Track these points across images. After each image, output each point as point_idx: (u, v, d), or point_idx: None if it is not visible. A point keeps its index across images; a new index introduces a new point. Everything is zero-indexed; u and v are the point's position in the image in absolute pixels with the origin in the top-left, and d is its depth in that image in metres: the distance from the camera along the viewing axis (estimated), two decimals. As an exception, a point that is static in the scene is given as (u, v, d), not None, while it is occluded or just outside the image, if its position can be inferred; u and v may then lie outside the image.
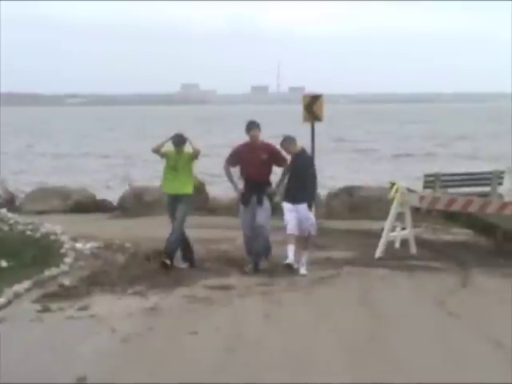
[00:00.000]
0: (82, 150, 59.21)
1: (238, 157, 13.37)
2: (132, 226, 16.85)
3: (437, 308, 10.75)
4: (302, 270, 12.76)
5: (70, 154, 54.80)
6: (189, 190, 13.32)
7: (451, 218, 15.88)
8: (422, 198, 14.60)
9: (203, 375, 8.00)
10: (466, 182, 20.92)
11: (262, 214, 13.05)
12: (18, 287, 11.41)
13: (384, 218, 14.69)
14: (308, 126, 18.56)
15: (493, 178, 20.78)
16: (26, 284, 11.62)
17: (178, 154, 13.34)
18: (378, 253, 14.03)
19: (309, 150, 19.80)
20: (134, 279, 12.01)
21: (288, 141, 13.23)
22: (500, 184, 21.01)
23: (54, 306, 10.67)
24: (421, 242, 14.98)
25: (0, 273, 12.23)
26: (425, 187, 19.67)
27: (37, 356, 8.62)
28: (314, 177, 13.20)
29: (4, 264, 12.65)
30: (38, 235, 14.76)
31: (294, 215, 12.86)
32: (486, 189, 20.60)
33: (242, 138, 13.61)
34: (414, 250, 14.43)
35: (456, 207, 14.15)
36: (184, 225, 13.39)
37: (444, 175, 20.83)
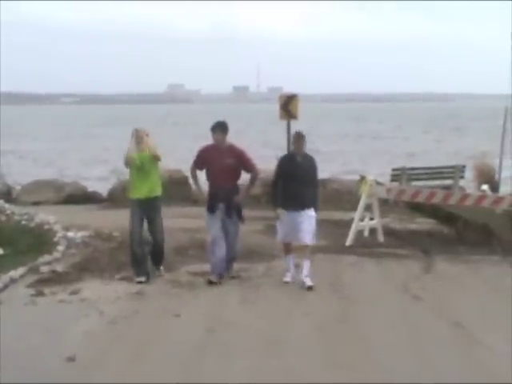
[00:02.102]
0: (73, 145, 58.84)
1: (204, 159, 11.51)
2: (120, 216, 16.63)
3: (402, 292, 10.79)
4: (308, 282, 10.99)
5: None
6: (160, 191, 11.59)
7: (416, 208, 15.92)
8: (388, 190, 14.63)
9: (185, 354, 8.01)
10: (431, 176, 21.02)
11: (233, 228, 11.49)
12: (14, 273, 11.37)
13: (354, 208, 14.72)
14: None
15: (455, 172, 20.89)
16: (21, 270, 11.58)
17: (140, 151, 11.34)
18: (349, 241, 14.06)
19: (285, 147, 19.88)
20: (122, 266, 11.93)
21: (304, 138, 11.37)
22: (462, 177, 21.12)
23: (46, 290, 10.65)
24: (388, 231, 15.01)
25: (-4, 260, 12.20)
26: (392, 180, 19.73)
27: (30, 336, 8.59)
28: (317, 180, 11.65)
29: (0, 252, 12.62)
30: (32, 225, 14.71)
31: (289, 223, 11.10)
32: (449, 182, 20.75)
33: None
34: (381, 238, 14.46)
35: (420, 199, 14.21)
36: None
37: (410, 169, 20.92)
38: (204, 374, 7.48)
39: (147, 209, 11.43)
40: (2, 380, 7.27)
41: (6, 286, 10.84)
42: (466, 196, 14.15)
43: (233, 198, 11.38)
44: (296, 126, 17.82)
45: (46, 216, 15.17)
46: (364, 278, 11.68)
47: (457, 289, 10.98)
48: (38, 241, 13.47)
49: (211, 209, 11.39)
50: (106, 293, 10.49)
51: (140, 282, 11.09)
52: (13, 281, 11.11)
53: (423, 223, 16.35)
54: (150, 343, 8.40)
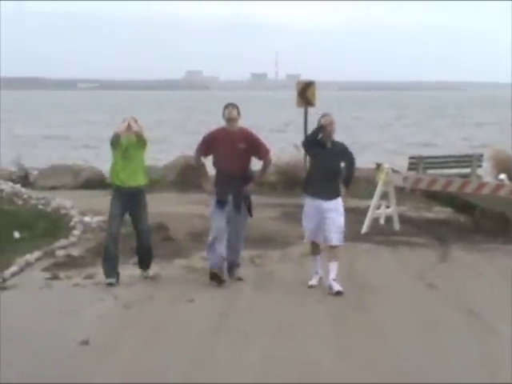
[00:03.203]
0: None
1: (211, 144, 10.38)
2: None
3: (417, 280, 10.79)
4: (336, 286, 9.95)
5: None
6: (144, 180, 10.57)
7: (433, 197, 15.90)
8: (405, 178, 14.63)
9: (199, 339, 8.04)
10: (448, 164, 21.00)
11: (240, 222, 10.39)
12: (30, 257, 11.45)
13: (371, 196, 14.71)
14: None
15: (473, 161, 20.84)
16: (37, 254, 11.65)
17: (127, 135, 10.40)
18: (364, 228, 14.05)
19: (301, 134, 19.86)
20: (137, 250, 11.98)
21: (333, 122, 10.21)
22: (479, 166, 21.07)
23: (62, 274, 10.72)
24: (404, 219, 14.99)
25: (13, 243, 12.31)
26: (409, 169, 19.73)
27: (45, 320, 8.66)
28: (352, 162, 10.37)
29: (17, 235, 12.76)
30: (49, 209, 14.84)
31: (315, 217, 10.09)
32: (466, 170, 20.71)
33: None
34: (397, 226, 14.44)
35: (437, 187, 14.19)
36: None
37: (427, 158, 20.90)
38: (216, 358, 7.51)
39: (129, 200, 10.45)
40: (17, 363, 7.33)
41: (21, 270, 10.92)
42: (483, 185, 14.12)
43: (243, 188, 10.30)
44: (311, 113, 17.83)
45: (62, 201, 15.29)
46: (379, 265, 11.68)
47: (472, 277, 10.97)
48: (54, 225, 13.59)
49: (220, 203, 10.31)
50: (120, 277, 10.52)
51: (110, 284, 10.20)
52: (28, 264, 11.19)
53: (440, 212, 16.32)
54: (164, 328, 8.45)
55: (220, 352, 7.69)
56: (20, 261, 11.16)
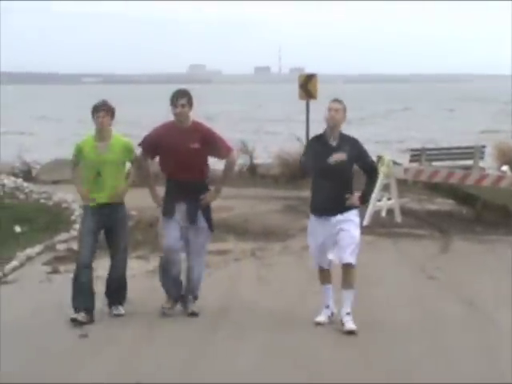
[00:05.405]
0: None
1: (157, 143, 8.39)
2: (138, 195, 16.72)
3: (418, 271, 10.77)
4: (349, 323, 8.03)
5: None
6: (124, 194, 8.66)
7: (435, 188, 15.86)
8: (406, 170, 14.59)
9: (197, 332, 8.06)
10: (450, 156, 20.94)
11: (198, 239, 8.49)
12: (30, 251, 11.46)
13: (372, 188, 14.66)
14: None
15: (475, 152, 20.77)
16: (38, 248, 11.68)
17: (101, 140, 8.35)
18: (366, 221, 13.98)
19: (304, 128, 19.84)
20: (138, 244, 11.91)
21: (344, 109, 8.14)
22: (481, 158, 21.00)
23: (62, 268, 10.72)
24: (406, 211, 14.93)
25: (14, 237, 12.34)
26: (411, 161, 19.68)
27: (44, 313, 8.68)
28: (372, 167, 8.45)
29: (18, 229, 12.75)
30: (50, 203, 14.83)
31: (321, 235, 8.20)
32: (469, 162, 20.65)
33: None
34: (399, 218, 14.40)
35: (438, 179, 14.16)
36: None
37: (429, 149, 20.87)
38: (215, 350, 7.52)
39: (105, 220, 8.47)
40: (16, 357, 7.34)
41: (22, 264, 10.95)
42: (484, 176, 14.08)
43: (199, 197, 8.44)
44: (315, 107, 17.78)
45: (64, 195, 15.26)
46: (380, 257, 11.65)
47: (473, 269, 10.96)
48: (56, 219, 13.59)
49: (168, 211, 8.45)
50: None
51: (74, 320, 8.17)
52: (29, 259, 11.22)
53: (442, 204, 16.26)
54: (164, 320, 8.46)
55: (219, 344, 7.70)
56: (21, 255, 11.19)
